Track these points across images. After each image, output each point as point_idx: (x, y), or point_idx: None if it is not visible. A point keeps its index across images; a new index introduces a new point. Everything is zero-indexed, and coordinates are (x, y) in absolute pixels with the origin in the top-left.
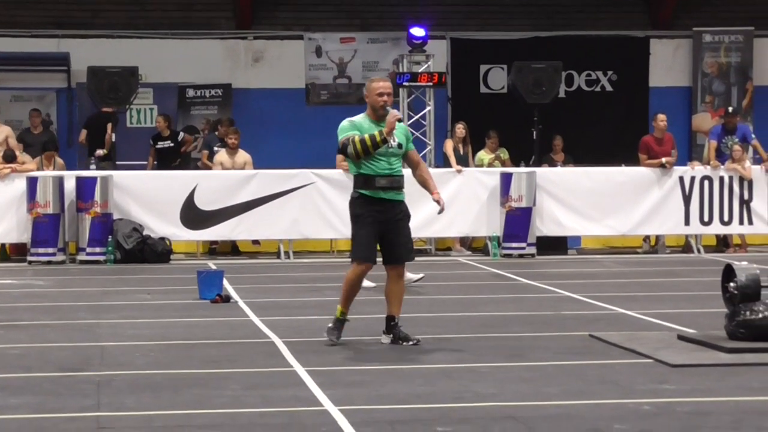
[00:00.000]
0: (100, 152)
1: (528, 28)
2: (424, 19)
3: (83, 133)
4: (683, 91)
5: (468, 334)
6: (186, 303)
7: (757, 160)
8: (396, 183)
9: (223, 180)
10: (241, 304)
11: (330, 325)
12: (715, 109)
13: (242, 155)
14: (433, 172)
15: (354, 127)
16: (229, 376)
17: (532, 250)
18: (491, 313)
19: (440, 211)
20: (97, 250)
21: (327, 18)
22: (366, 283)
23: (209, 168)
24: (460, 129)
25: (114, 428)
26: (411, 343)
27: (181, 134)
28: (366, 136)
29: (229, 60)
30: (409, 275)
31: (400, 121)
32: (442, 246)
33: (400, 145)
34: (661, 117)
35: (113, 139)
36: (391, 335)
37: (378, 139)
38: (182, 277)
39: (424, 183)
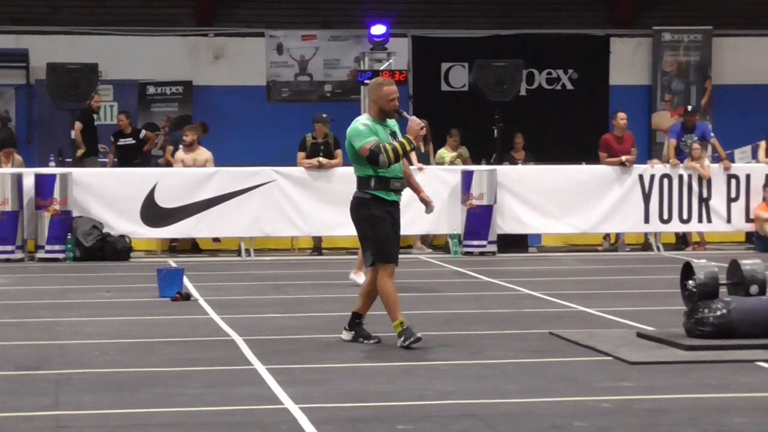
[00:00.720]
0: (79, 152)
1: (489, 27)
2: (385, 17)
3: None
4: (643, 89)
5: (429, 332)
6: (146, 301)
7: (716, 159)
8: (406, 185)
9: (183, 177)
10: (202, 302)
11: (400, 340)
12: (674, 108)
13: (203, 153)
14: None
15: (371, 131)
16: (188, 375)
17: (493, 247)
18: (452, 310)
19: (429, 211)
20: (57, 247)
21: (288, 15)
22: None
23: (171, 165)
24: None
25: (72, 427)
26: (371, 341)
27: (143, 132)
28: (396, 144)
29: (190, 57)
30: (355, 277)
31: (422, 129)
32: (404, 244)
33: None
34: (621, 115)
35: (72, 136)
36: (353, 332)
37: (408, 148)
38: (142, 275)
39: (407, 179)
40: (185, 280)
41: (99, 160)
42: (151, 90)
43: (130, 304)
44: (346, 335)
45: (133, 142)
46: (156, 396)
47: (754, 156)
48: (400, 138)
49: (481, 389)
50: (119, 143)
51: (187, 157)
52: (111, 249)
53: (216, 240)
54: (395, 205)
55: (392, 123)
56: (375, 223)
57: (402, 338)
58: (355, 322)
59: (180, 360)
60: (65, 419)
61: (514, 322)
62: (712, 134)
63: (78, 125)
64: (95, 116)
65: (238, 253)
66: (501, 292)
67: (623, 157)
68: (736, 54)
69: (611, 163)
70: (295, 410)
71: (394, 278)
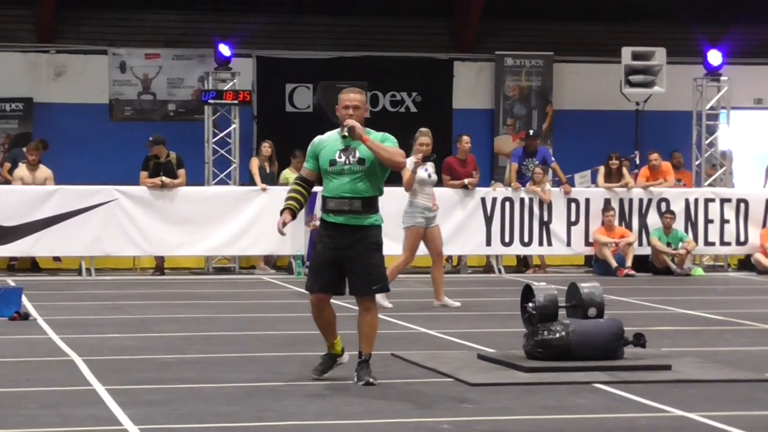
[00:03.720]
0: None
1: (333, 48)
2: (229, 37)
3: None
4: (485, 113)
5: (270, 353)
6: None
7: (557, 183)
8: (347, 206)
9: (23, 195)
10: (40, 321)
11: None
12: (516, 132)
13: (43, 170)
14: (239, 190)
15: (311, 148)
16: (25, 395)
17: None
18: (293, 331)
19: (351, 130)
20: None
21: (131, 33)
22: (386, 302)
23: (9, 182)
24: (266, 147)
25: None
26: (361, 383)
27: None
28: (286, 196)
29: (30, 73)
30: (381, 302)
31: (354, 130)
32: (246, 264)
33: (362, 161)
34: (466, 139)
35: None
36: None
37: (280, 212)
38: None
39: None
40: (24, 299)
41: None
42: None
43: None
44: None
45: None
46: None
47: (594, 180)
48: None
49: (322, 410)
50: None
51: (27, 174)
52: None
53: (56, 259)
54: (339, 228)
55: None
56: (314, 248)
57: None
58: (359, 360)
59: (17, 380)
60: None
61: (356, 343)
62: (552, 158)
63: None
64: None
65: (79, 272)
66: (343, 314)
67: (466, 180)
68: (576, 80)
69: (454, 186)
70: (135, 431)
71: (321, 308)
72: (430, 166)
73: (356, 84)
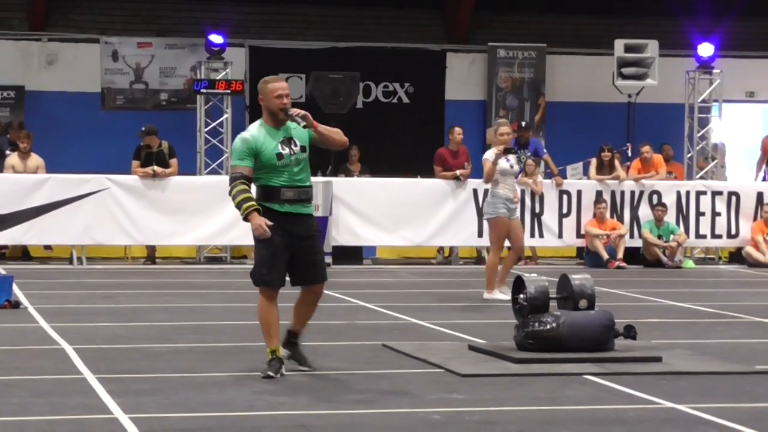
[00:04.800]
0: None
1: (326, 39)
2: (221, 26)
3: None
4: (478, 104)
5: (261, 343)
6: None
7: (549, 175)
8: (303, 195)
9: (13, 183)
10: (31, 310)
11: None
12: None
13: (34, 159)
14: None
15: (247, 146)
16: (16, 384)
17: (328, 259)
18: (283, 321)
19: (302, 119)
20: None
21: (123, 22)
22: (501, 295)
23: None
24: None
25: None
26: (305, 369)
27: None
28: (238, 199)
29: (22, 61)
30: (501, 296)
31: (308, 118)
32: (238, 254)
33: (303, 149)
34: (458, 130)
35: None
36: (290, 352)
37: (242, 215)
38: None
39: (327, 136)
40: (15, 287)
41: None
42: None
43: None
44: (284, 352)
45: None
46: None
47: (586, 172)
48: (246, 199)
49: (313, 400)
50: None
51: (18, 163)
52: None
53: (47, 247)
54: (293, 218)
55: (290, 126)
56: (258, 240)
57: (266, 367)
58: (291, 342)
59: (7, 368)
60: None
61: (347, 334)
62: (545, 150)
63: None
64: None
65: (70, 261)
66: (335, 304)
67: (458, 172)
68: (569, 72)
69: (446, 177)
70: (125, 420)
71: (273, 304)
72: (511, 157)
73: (348, 74)
